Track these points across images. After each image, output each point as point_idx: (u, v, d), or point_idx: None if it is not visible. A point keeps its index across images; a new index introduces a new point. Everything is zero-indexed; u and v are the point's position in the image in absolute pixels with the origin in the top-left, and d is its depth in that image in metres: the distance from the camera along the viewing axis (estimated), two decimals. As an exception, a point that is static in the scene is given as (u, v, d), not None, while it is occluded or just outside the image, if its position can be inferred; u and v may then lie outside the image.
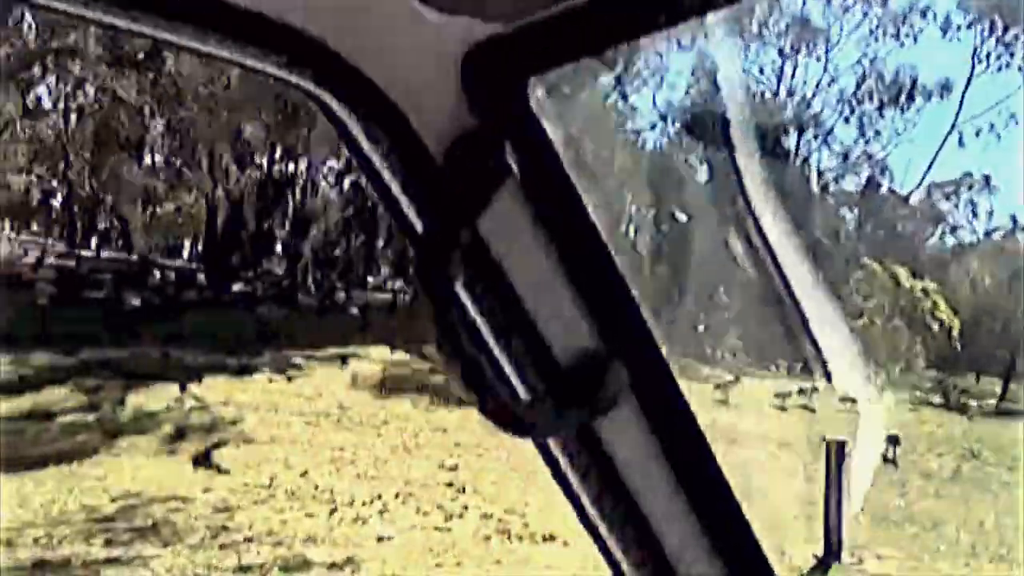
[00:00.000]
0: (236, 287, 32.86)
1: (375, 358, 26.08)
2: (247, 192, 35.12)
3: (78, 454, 15.04)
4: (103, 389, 18.91)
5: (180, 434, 17.11)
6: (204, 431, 17.56)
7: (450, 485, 16.31)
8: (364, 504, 14.70)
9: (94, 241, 38.00)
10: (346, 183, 35.35)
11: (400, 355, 27.03)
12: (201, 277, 32.82)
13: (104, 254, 36.18)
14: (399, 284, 34.04)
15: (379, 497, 15.12)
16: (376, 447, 18.55)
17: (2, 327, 19.42)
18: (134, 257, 35.24)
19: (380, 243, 36.12)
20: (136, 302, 27.58)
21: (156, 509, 12.80)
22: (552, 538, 13.26)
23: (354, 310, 31.60)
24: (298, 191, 35.96)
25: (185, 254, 39.73)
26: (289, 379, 22.27)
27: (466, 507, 14.68)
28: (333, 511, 13.97)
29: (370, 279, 37.00)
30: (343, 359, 25.14)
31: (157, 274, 32.89)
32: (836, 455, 13.75)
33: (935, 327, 29.30)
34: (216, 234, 34.24)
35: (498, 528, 13.91)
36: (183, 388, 19.89)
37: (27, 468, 14.05)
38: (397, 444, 19.04)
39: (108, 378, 19.80)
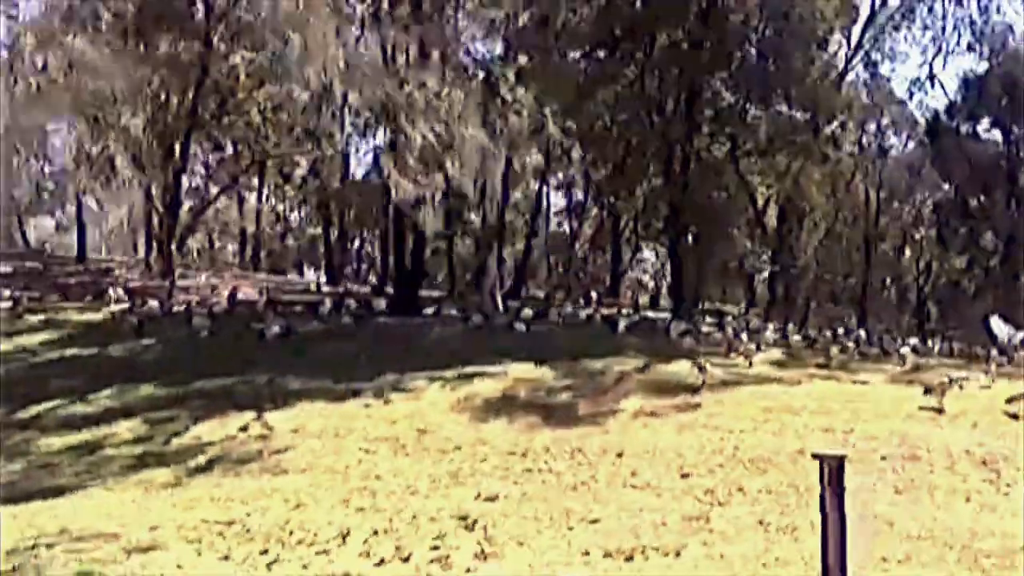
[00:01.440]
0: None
1: (512, 375, 23.83)
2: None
3: (73, 488, 14.47)
4: (176, 419, 18.57)
5: (208, 465, 16.10)
6: (238, 462, 16.41)
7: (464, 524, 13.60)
8: (324, 540, 12.52)
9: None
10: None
11: (543, 371, 24.60)
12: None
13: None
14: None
15: (347, 533, 12.86)
16: (421, 476, 16.27)
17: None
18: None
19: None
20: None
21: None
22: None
23: (520, 326, 29.49)
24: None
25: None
26: (386, 402, 20.69)
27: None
28: (264, 552, 11.91)
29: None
30: (470, 377, 23.21)
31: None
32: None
33: None
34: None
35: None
36: (259, 415, 19.03)
37: (11, 502, 13.66)
38: (451, 470, 16.62)
39: (196, 407, 19.48)
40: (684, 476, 16.95)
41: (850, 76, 43.56)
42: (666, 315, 37.14)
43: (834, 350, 29.26)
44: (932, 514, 14.94)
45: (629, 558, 11.97)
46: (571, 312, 34.93)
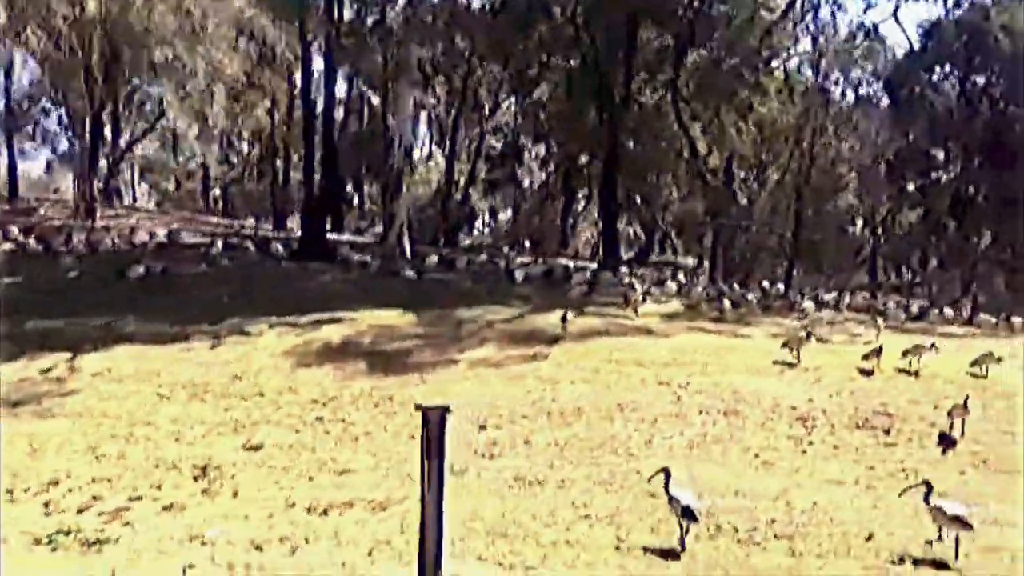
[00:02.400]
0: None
1: (366, 322, 23.27)
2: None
3: None
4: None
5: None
6: (15, 404, 15.99)
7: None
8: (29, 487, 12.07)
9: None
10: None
11: (406, 318, 24.04)
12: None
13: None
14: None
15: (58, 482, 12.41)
16: (200, 423, 15.80)
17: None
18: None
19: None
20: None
21: None
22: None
23: (410, 273, 28.85)
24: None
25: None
26: (213, 347, 20.19)
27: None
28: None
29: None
30: (322, 324, 22.68)
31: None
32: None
33: None
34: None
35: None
36: (73, 357, 18.58)
37: None
38: (238, 418, 16.14)
39: (15, 347, 19.04)
40: (482, 428, 16.40)
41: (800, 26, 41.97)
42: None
43: (727, 304, 28.49)
44: (710, 471, 14.35)
45: (324, 512, 11.44)
46: (486, 261, 34.16)
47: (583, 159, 41.92)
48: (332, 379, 18.72)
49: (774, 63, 37.15)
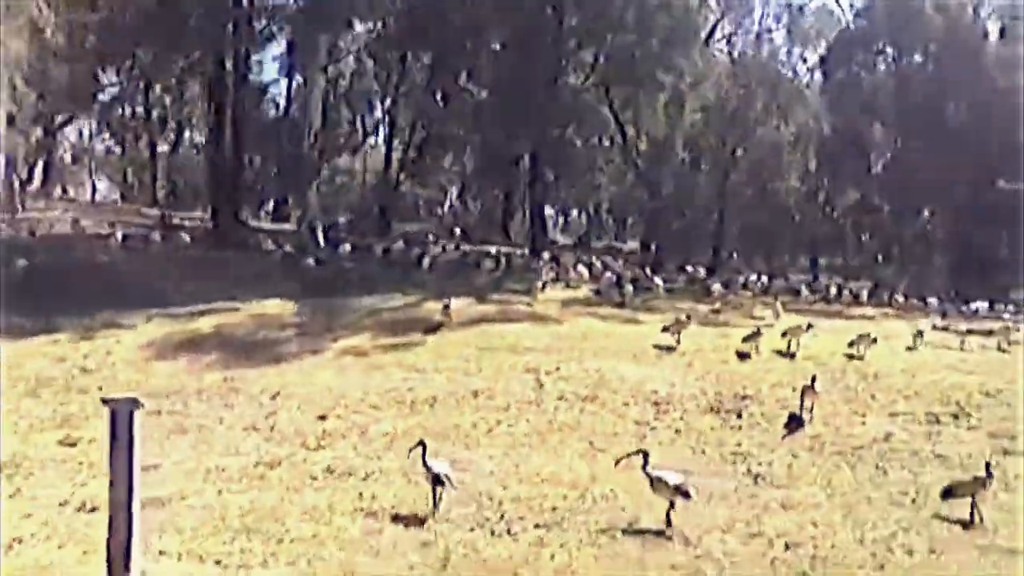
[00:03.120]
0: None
1: (246, 312, 22.84)
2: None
3: None
4: None
5: None
6: None
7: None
8: None
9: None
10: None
11: (287, 307, 23.62)
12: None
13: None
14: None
15: None
16: (23, 418, 15.35)
17: None
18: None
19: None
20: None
21: None
22: None
23: (310, 261, 28.38)
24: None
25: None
26: (80, 340, 19.74)
27: None
28: None
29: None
30: (201, 314, 22.23)
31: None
32: None
33: None
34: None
35: None
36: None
37: None
38: (65, 413, 15.69)
39: None
40: (321, 418, 16.01)
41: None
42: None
43: (629, 289, 28.14)
44: (536, 460, 14.00)
45: (93, 510, 10.97)
46: (402, 250, 33.42)
47: (513, 145, 41.12)
48: (186, 371, 18.29)
49: (697, 44, 36.36)
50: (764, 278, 32.96)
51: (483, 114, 40.05)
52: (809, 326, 21.04)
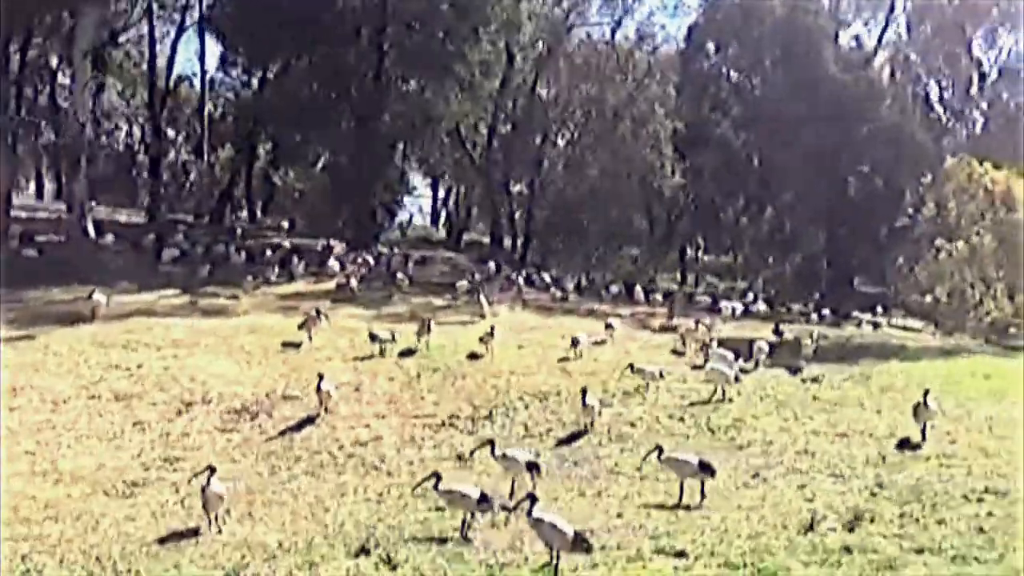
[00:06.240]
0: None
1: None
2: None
3: None
4: None
5: None
6: None
7: None
8: None
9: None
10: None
11: None
12: None
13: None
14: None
15: None
16: None
17: None
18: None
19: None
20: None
21: None
22: None
23: (31, 251, 27.73)
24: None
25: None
26: None
27: None
28: None
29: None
30: None
31: None
32: None
33: None
34: None
35: None
36: None
37: None
38: None
39: None
40: None
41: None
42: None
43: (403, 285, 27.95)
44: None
45: None
46: (182, 241, 32.30)
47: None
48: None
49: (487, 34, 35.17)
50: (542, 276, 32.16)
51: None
52: (430, 323, 20.32)
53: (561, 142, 46.30)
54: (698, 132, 43.70)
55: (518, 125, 42.48)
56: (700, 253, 50.58)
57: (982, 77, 50.77)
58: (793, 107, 40.68)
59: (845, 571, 8.43)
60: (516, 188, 44.23)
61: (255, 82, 39.60)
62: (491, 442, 12.44)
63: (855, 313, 32.76)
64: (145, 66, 41.33)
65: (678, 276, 47.02)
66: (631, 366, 17.55)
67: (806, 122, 40.37)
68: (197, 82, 42.94)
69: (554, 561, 8.54)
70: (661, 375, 17.25)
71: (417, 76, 35.41)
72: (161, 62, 42.45)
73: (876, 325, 31.56)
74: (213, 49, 43.00)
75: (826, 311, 32.30)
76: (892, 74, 45.68)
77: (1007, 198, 35.29)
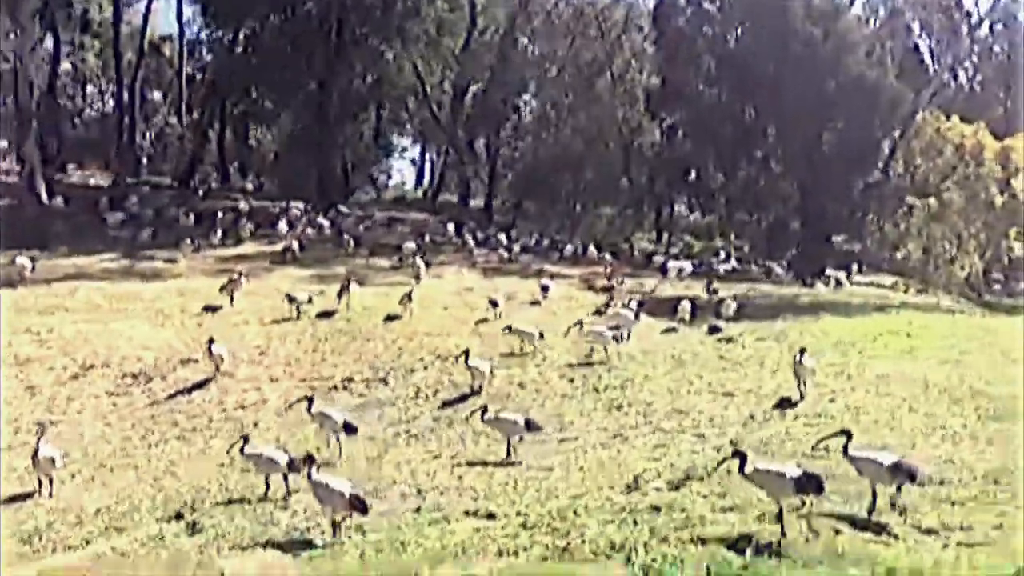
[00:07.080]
0: None
1: None
2: None
3: None
4: None
5: None
6: None
7: None
8: None
9: None
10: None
11: None
12: None
13: None
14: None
15: None
16: None
17: None
18: None
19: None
20: None
21: None
22: None
23: None
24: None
25: None
26: None
27: None
28: None
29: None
30: None
31: None
32: None
33: None
34: None
35: None
36: None
37: None
38: None
39: None
40: None
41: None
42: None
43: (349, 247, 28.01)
44: None
45: None
46: (132, 204, 32.18)
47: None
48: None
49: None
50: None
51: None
52: (349, 283, 20.24)
53: (535, 101, 45.79)
54: (673, 88, 43.07)
55: (488, 84, 42.17)
56: (678, 212, 50.17)
57: (971, 29, 49.83)
58: (764, 61, 40.03)
59: (640, 529, 8.26)
60: (483, 148, 43.80)
61: (227, 42, 39.33)
62: (309, 398, 12.59)
63: (829, 271, 32.43)
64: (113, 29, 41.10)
65: (653, 236, 46.74)
66: (508, 327, 17.52)
67: (777, 77, 39.74)
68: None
69: (342, 521, 8.51)
70: (541, 336, 17.16)
71: (376, 35, 34.97)
72: (138, 21, 42.47)
73: (839, 283, 31.18)
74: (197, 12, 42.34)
75: (783, 269, 31.95)
76: (870, 25, 44.73)
77: (976, 153, 34.74)
